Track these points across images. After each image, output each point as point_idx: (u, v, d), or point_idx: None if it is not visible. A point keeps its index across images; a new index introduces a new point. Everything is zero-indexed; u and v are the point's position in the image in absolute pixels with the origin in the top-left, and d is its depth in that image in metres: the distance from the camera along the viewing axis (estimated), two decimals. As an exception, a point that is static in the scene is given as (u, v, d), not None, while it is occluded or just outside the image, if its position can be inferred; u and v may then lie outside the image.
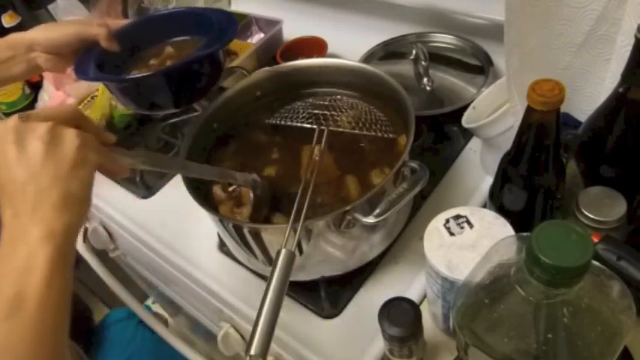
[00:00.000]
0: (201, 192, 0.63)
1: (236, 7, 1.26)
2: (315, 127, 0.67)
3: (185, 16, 0.75)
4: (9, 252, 0.41)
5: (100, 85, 0.98)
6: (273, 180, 0.67)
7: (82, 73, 0.65)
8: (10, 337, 0.39)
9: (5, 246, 0.42)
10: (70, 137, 0.43)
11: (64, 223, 0.42)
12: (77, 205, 0.43)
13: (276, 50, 1.02)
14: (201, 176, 0.60)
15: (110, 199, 0.88)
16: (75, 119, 0.46)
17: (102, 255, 1.01)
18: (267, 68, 0.75)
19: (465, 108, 0.72)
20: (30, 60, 0.67)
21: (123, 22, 0.72)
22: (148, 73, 0.64)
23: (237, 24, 0.68)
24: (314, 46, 0.99)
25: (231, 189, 0.64)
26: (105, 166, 0.47)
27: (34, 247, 0.41)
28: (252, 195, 0.61)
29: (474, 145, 0.79)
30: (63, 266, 0.42)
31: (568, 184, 0.56)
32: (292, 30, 1.05)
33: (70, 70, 0.68)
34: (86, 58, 0.67)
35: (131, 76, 0.67)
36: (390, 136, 0.66)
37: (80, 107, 0.99)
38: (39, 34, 0.67)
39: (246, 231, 0.59)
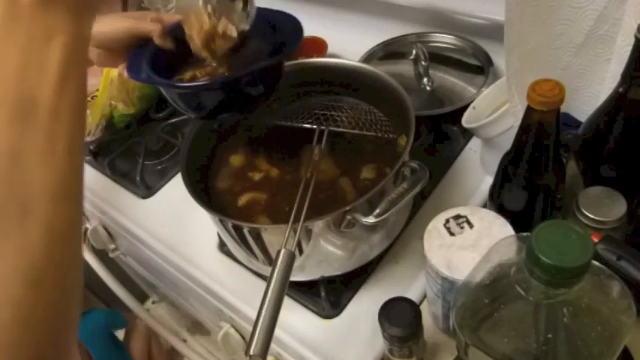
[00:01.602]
0: (201, 191, 0.63)
1: (236, 7, 1.26)
2: (315, 127, 0.67)
3: None
4: (8, 46, 0.34)
5: (100, 85, 0.98)
6: (274, 180, 0.67)
7: (134, 73, 0.60)
8: (19, 142, 0.34)
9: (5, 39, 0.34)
10: None
11: (78, 26, 0.36)
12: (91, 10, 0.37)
13: (276, 50, 1.02)
14: None
15: (110, 199, 0.88)
16: None
17: (102, 255, 1.01)
18: (267, 68, 0.75)
19: (465, 108, 0.72)
20: None
21: (178, 18, 0.65)
22: (213, 80, 0.58)
23: (301, 29, 0.62)
24: (314, 46, 0.99)
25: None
26: None
27: (43, 44, 0.34)
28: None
29: (474, 145, 0.79)
30: (77, 67, 0.36)
31: (568, 184, 0.56)
32: (292, 30, 1.05)
33: (121, 67, 0.65)
34: (139, 55, 0.62)
35: (191, 84, 0.59)
36: (390, 136, 0.66)
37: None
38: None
39: (246, 231, 0.59)
